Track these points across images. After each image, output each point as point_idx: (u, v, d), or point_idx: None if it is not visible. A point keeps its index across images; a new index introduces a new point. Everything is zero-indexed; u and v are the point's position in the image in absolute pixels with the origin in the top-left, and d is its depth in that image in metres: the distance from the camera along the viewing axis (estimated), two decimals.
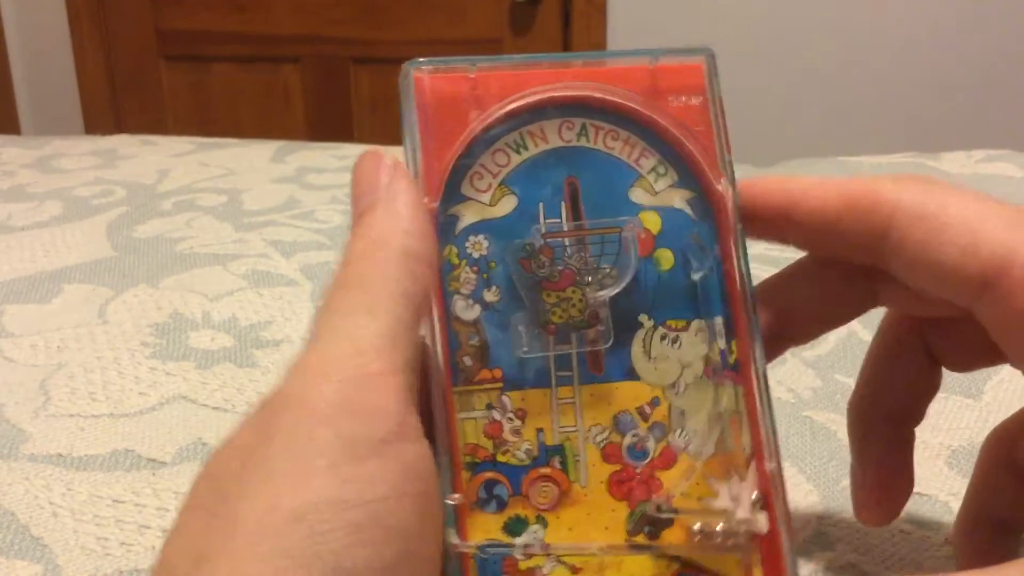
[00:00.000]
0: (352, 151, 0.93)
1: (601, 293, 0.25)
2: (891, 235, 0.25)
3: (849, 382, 0.40)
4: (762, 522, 0.24)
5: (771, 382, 0.44)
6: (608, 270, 0.25)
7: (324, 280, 0.58)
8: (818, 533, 0.34)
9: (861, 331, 0.50)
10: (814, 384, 0.45)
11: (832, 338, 0.49)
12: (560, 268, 0.25)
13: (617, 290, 0.25)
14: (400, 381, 0.22)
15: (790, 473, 0.37)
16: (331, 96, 1.99)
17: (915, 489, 0.36)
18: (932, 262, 0.24)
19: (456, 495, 0.23)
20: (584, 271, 0.25)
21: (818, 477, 0.37)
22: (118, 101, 2.10)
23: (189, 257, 0.62)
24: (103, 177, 0.82)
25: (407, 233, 0.23)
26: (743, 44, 1.77)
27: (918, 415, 0.30)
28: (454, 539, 0.23)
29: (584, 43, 1.82)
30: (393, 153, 0.25)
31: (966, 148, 0.88)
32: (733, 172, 0.26)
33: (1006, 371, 0.45)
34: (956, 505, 0.35)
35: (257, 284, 0.57)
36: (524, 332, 0.25)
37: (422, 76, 0.25)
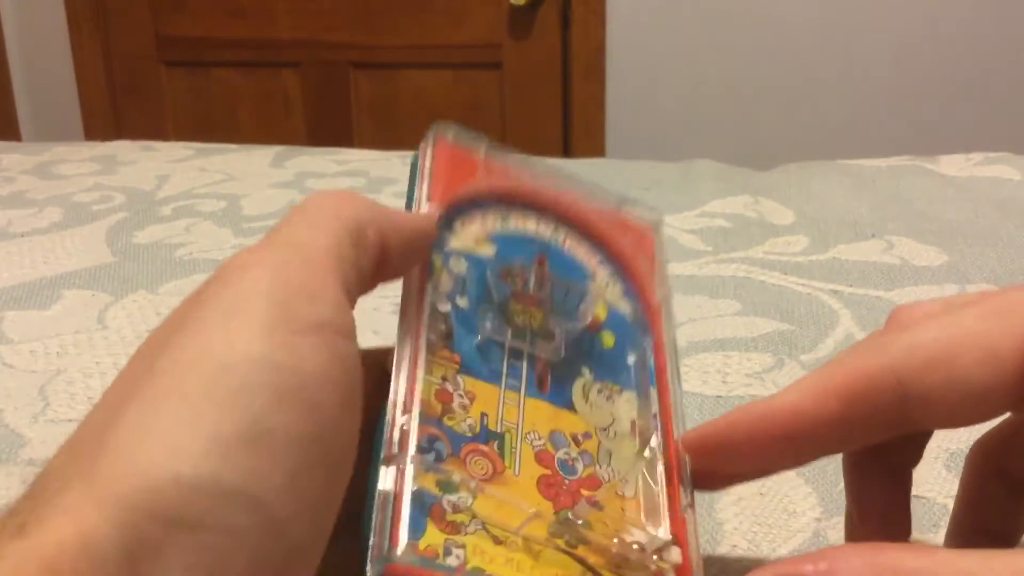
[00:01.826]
0: (352, 156, 0.93)
1: (558, 322, 0.29)
2: (910, 397, 0.24)
3: None
4: (675, 554, 0.25)
5: (771, 386, 0.44)
6: (566, 309, 0.30)
7: None
8: (816, 534, 0.34)
9: (859, 333, 0.50)
10: None
11: (830, 343, 0.49)
12: (526, 291, 0.29)
13: (570, 326, 0.29)
14: (339, 282, 0.22)
15: (788, 476, 0.37)
16: (331, 101, 1.99)
17: (913, 492, 0.36)
18: (965, 395, 0.23)
19: (405, 416, 0.24)
20: (546, 303, 0.29)
21: (816, 479, 0.37)
22: (118, 107, 2.10)
23: (188, 263, 0.62)
24: (103, 183, 0.82)
25: (354, 195, 0.25)
26: (742, 48, 1.77)
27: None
28: (402, 461, 0.23)
29: (583, 47, 1.82)
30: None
31: (964, 151, 0.88)
32: (667, 286, 0.32)
33: None
34: None
35: None
36: (490, 319, 0.28)
37: (442, 136, 0.31)
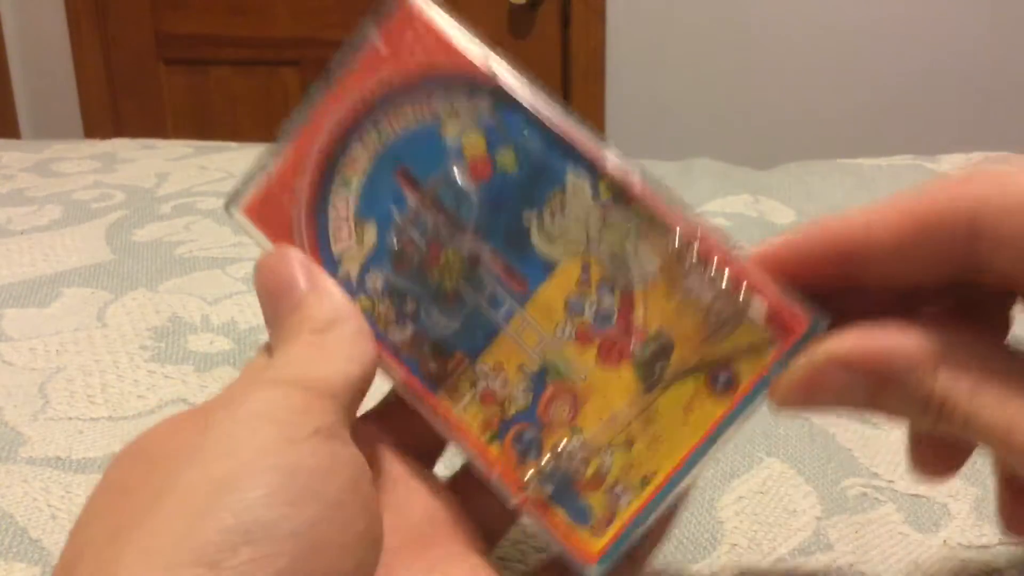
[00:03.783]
0: None
1: (465, 235, 0.26)
2: (981, 243, 0.23)
3: None
4: (758, 305, 0.25)
5: None
6: (457, 210, 0.26)
7: None
8: (817, 533, 0.34)
9: None
10: None
11: None
12: (425, 247, 0.26)
13: (472, 222, 0.26)
14: (340, 411, 0.23)
15: (789, 474, 0.37)
16: None
17: (913, 491, 0.36)
18: None
19: (493, 468, 0.26)
20: (447, 228, 0.26)
21: (817, 478, 0.37)
22: (117, 105, 2.10)
23: (188, 260, 0.62)
24: (102, 181, 0.82)
25: (351, 315, 0.25)
26: (742, 47, 1.77)
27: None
28: (512, 500, 0.25)
29: (583, 46, 1.82)
30: (295, 251, 0.27)
31: (965, 150, 0.88)
32: (489, 48, 0.27)
33: None
34: (955, 506, 0.35)
35: None
36: (437, 314, 0.27)
37: (245, 205, 0.27)
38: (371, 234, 0.27)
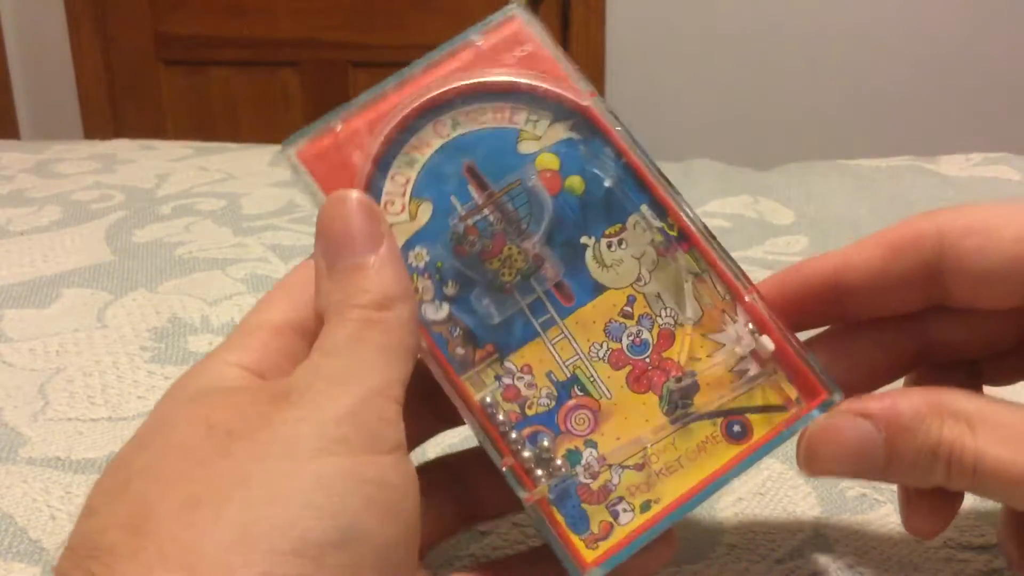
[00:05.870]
0: None
1: (532, 239, 0.28)
2: (945, 261, 0.26)
3: None
4: (765, 343, 0.27)
5: None
6: (528, 217, 0.28)
7: None
8: (816, 534, 0.34)
9: None
10: None
11: None
12: (489, 238, 0.28)
13: (541, 230, 0.28)
14: (399, 416, 0.24)
15: (789, 475, 0.37)
16: (330, 100, 1.98)
17: None
18: (994, 263, 0.25)
19: (505, 458, 0.26)
20: (510, 229, 0.28)
21: (816, 479, 0.37)
22: (117, 106, 2.10)
23: (188, 261, 0.62)
24: (102, 182, 0.82)
25: (409, 296, 0.25)
26: (742, 48, 1.77)
27: None
28: (523, 494, 0.26)
29: (583, 47, 1.82)
30: (363, 196, 0.26)
31: (964, 151, 0.88)
32: (590, 82, 0.29)
33: None
34: None
35: (256, 288, 0.57)
36: (488, 303, 0.27)
37: (300, 150, 0.28)
38: (425, 213, 0.28)
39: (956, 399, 0.24)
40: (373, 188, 0.27)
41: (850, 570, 0.32)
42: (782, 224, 0.69)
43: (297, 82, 2.01)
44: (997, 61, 1.71)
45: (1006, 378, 0.29)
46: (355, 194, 0.26)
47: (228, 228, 0.69)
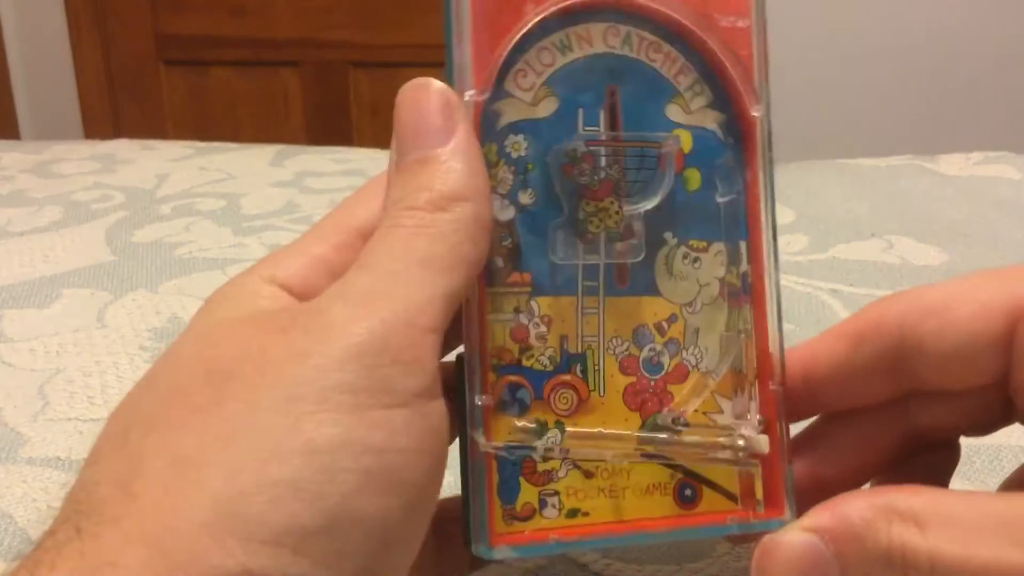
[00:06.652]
0: (351, 155, 0.93)
1: (637, 206, 0.25)
2: (907, 346, 0.25)
3: None
4: (763, 443, 0.26)
5: None
6: (644, 184, 0.25)
7: None
8: None
9: None
10: None
11: None
12: (600, 177, 0.25)
13: (651, 205, 0.26)
14: (438, 340, 0.21)
15: None
16: (330, 100, 1.99)
17: None
18: (953, 345, 0.24)
19: (485, 396, 0.24)
20: (622, 183, 0.25)
21: None
22: (117, 106, 2.10)
23: (188, 262, 0.62)
24: (102, 182, 0.82)
25: (478, 195, 0.22)
26: None
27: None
28: (480, 438, 0.24)
29: None
30: (442, 85, 0.24)
31: (964, 150, 0.88)
32: (769, 99, 0.26)
33: None
34: None
35: None
36: (560, 239, 0.25)
37: None
38: (548, 107, 0.25)
39: (902, 498, 0.22)
40: (519, 46, 0.24)
41: None
42: (782, 223, 0.69)
43: (297, 82, 2.01)
44: (997, 60, 1.71)
45: (983, 430, 0.28)
46: (434, 82, 0.23)
47: (228, 228, 0.69)
